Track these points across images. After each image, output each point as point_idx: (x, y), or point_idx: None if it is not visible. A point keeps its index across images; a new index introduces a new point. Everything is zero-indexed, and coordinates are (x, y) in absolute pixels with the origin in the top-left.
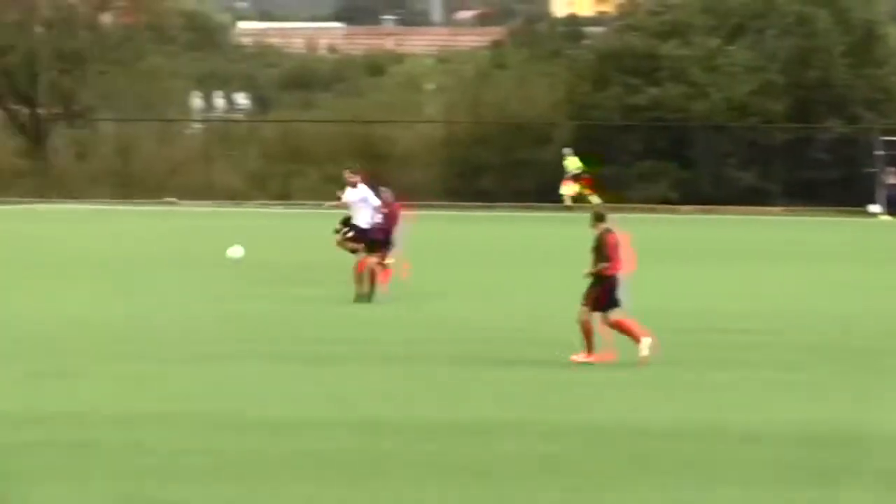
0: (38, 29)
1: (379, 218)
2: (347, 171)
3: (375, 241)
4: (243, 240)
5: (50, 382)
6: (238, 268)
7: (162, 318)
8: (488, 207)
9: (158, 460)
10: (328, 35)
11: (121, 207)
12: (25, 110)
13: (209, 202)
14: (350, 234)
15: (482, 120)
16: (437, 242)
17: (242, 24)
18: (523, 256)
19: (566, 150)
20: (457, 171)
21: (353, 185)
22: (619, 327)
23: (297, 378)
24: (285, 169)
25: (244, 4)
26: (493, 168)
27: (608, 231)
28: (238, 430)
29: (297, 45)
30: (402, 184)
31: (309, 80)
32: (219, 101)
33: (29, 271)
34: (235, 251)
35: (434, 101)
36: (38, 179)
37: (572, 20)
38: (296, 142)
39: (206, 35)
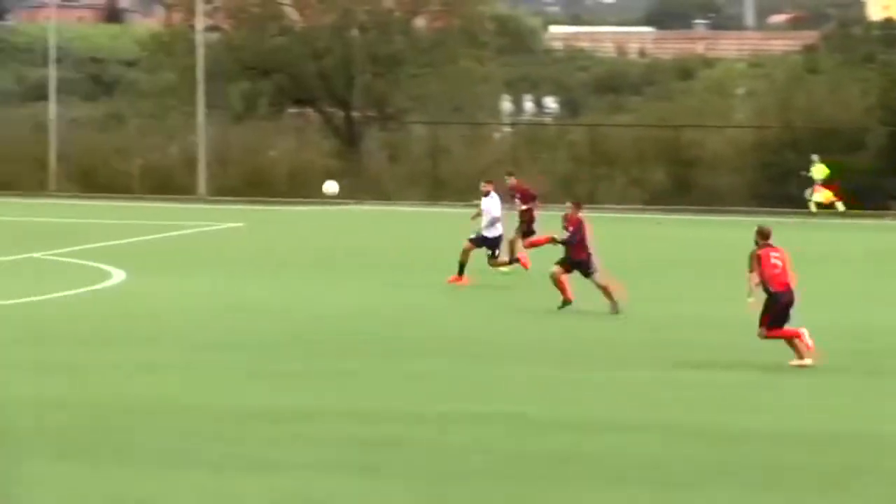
0: (354, 33)
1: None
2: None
3: (492, 242)
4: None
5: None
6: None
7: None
8: (797, 213)
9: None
10: (638, 39)
11: (431, 209)
12: (340, 113)
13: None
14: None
15: (793, 125)
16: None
17: (553, 29)
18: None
19: (814, 157)
20: (766, 176)
21: (486, 194)
22: (781, 335)
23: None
24: (592, 173)
25: (555, 9)
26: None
27: (765, 247)
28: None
29: (607, 48)
30: (710, 188)
31: (618, 84)
32: (528, 104)
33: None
34: (331, 186)
35: (744, 105)
36: (352, 181)
37: (888, 24)
38: (603, 146)
39: (517, 39)
